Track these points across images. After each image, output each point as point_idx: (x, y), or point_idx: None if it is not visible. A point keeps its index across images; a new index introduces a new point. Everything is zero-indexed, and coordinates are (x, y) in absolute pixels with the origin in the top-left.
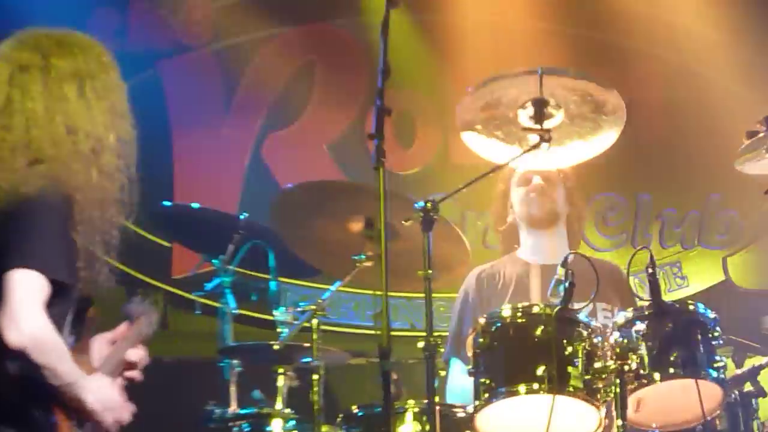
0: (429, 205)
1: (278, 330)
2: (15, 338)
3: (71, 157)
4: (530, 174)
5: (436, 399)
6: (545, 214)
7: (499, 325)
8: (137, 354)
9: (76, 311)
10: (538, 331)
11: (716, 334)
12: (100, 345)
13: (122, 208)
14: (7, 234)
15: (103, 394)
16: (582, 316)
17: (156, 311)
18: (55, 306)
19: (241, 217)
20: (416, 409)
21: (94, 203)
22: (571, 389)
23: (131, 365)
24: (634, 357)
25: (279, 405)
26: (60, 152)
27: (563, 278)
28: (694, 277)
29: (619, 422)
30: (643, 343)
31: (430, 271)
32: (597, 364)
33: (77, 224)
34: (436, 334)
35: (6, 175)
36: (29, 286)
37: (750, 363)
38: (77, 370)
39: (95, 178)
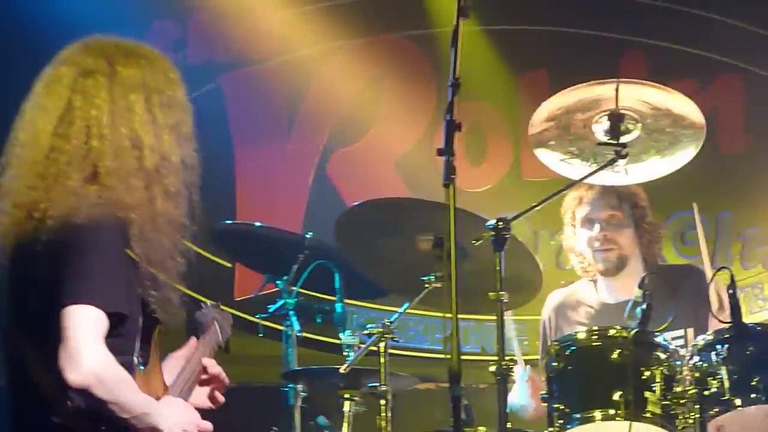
0: (500, 223)
1: (344, 353)
2: (76, 378)
3: (132, 173)
4: (592, 215)
5: (509, 425)
6: (613, 265)
7: (573, 348)
8: (213, 365)
9: (143, 329)
10: (615, 355)
11: None
12: (173, 363)
13: (186, 233)
14: (59, 266)
15: (178, 417)
16: (660, 339)
17: (227, 315)
18: (118, 336)
19: (306, 236)
20: None
21: (154, 224)
22: (648, 415)
23: (213, 378)
24: (714, 382)
25: (345, 431)
26: (121, 166)
27: (641, 299)
28: None
29: None
30: (724, 367)
31: (502, 293)
32: (676, 389)
33: (136, 246)
34: (508, 357)
35: (58, 195)
36: (86, 322)
37: None
38: (147, 399)
39: (158, 198)
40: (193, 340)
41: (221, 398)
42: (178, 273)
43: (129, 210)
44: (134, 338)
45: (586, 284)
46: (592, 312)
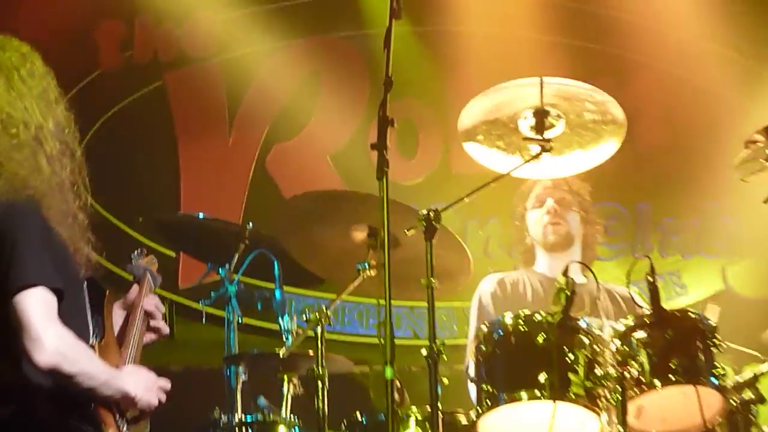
0: (431, 214)
1: (283, 339)
2: (43, 359)
3: (13, 150)
4: (544, 195)
5: (439, 406)
6: (561, 239)
7: (501, 333)
8: (152, 303)
9: (93, 302)
10: (540, 339)
11: (716, 341)
12: (116, 314)
13: (79, 191)
14: None
15: (139, 377)
16: (583, 324)
17: (155, 262)
18: (66, 308)
19: (247, 226)
20: (419, 416)
21: (53, 190)
22: (572, 396)
23: (150, 315)
24: (635, 364)
25: (284, 412)
26: (0, 146)
27: (564, 287)
28: (694, 286)
29: (620, 429)
30: (644, 351)
31: (432, 280)
32: (598, 371)
33: (50, 215)
34: (439, 341)
35: None
36: (35, 304)
37: (749, 370)
38: (107, 366)
39: (44, 165)
40: (132, 288)
41: (165, 329)
42: (83, 231)
43: (26, 183)
44: (83, 307)
45: (526, 271)
46: (539, 290)
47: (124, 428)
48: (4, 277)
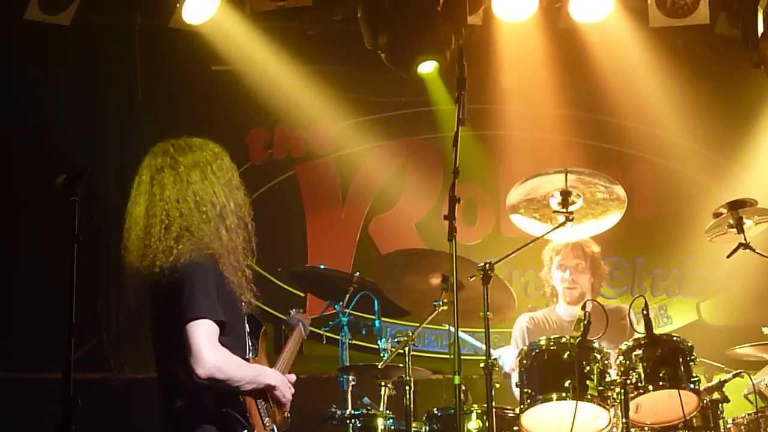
0: (487, 266)
1: (381, 355)
2: (201, 372)
3: (202, 223)
4: (565, 264)
5: (493, 403)
6: (575, 299)
7: (537, 350)
8: (298, 341)
9: (252, 331)
10: (565, 355)
11: (692, 357)
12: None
13: (248, 253)
14: (177, 297)
15: (278, 376)
16: (596, 344)
17: (307, 317)
18: (229, 335)
19: (355, 274)
20: (478, 411)
21: (228, 252)
22: (589, 396)
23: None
24: (634, 374)
25: (382, 408)
26: (191, 222)
27: (583, 318)
28: (676, 317)
29: (624, 421)
30: (641, 364)
31: (488, 313)
32: (607, 378)
33: (224, 269)
34: (492, 357)
35: (162, 255)
36: (201, 331)
37: (717, 378)
38: (254, 368)
39: (224, 234)
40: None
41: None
42: (248, 282)
43: (209, 246)
44: (242, 336)
45: (549, 310)
46: (554, 326)
47: (266, 418)
48: (182, 311)
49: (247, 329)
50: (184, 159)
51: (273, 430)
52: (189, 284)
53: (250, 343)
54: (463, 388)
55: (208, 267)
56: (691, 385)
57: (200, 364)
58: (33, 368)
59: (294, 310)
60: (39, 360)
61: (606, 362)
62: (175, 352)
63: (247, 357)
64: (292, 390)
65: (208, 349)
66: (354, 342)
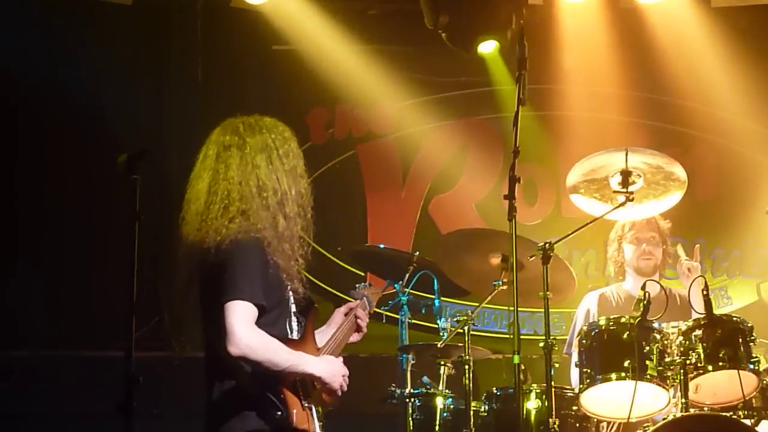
0: (547, 246)
1: (440, 334)
2: (233, 351)
3: (260, 208)
4: (641, 237)
5: (552, 383)
6: (650, 269)
7: (597, 331)
8: (362, 315)
9: (301, 311)
10: (625, 335)
11: (752, 338)
12: (329, 329)
13: (304, 242)
14: (220, 277)
15: (327, 366)
16: (656, 324)
17: (377, 291)
18: (270, 318)
19: (415, 254)
20: (538, 390)
21: (279, 238)
22: (648, 377)
23: (359, 327)
24: (694, 354)
25: (441, 387)
26: (250, 206)
27: (643, 298)
28: (736, 297)
29: (683, 401)
30: (700, 344)
31: (548, 293)
32: (667, 359)
33: (271, 254)
34: (551, 337)
35: (213, 233)
36: (238, 312)
37: None
38: (295, 354)
39: (281, 222)
40: (338, 313)
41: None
42: (299, 271)
43: (260, 231)
44: (284, 318)
45: (618, 286)
46: (622, 303)
47: (305, 402)
48: (222, 291)
49: (293, 309)
50: (252, 140)
51: (311, 409)
52: (231, 265)
53: (297, 324)
54: (523, 367)
55: (253, 249)
56: (751, 366)
57: (233, 343)
58: (95, 346)
59: (362, 284)
60: (101, 338)
61: (666, 342)
62: (216, 331)
63: (291, 338)
64: (344, 377)
65: (243, 330)
66: (413, 321)
